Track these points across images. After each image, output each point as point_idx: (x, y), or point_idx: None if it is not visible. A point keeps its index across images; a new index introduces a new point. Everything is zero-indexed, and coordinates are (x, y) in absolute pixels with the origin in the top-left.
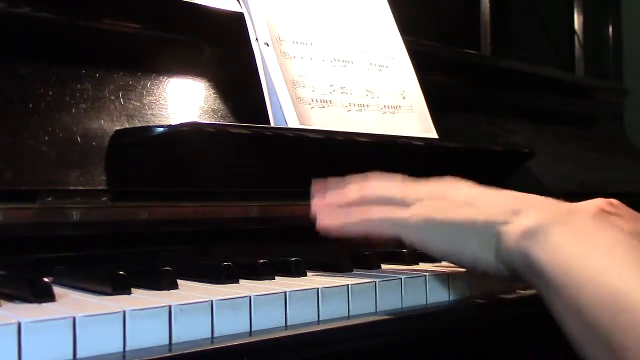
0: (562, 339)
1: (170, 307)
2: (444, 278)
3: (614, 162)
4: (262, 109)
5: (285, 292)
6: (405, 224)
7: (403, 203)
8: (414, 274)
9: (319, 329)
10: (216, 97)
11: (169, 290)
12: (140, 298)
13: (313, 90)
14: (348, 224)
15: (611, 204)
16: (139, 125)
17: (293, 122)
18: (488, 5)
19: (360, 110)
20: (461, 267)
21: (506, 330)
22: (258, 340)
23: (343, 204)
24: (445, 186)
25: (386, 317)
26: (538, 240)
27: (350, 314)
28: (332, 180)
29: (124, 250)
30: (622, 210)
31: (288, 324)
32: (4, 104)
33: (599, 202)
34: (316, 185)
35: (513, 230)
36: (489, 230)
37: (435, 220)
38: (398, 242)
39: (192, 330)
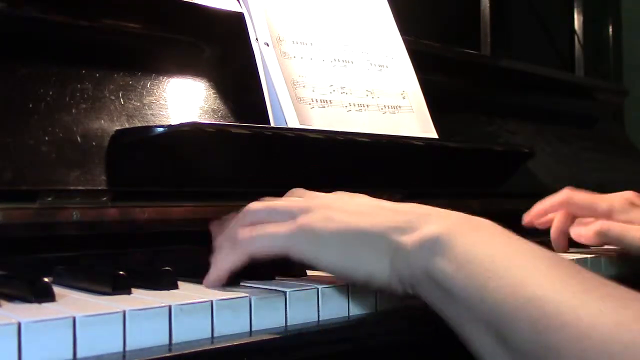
0: None
1: (170, 307)
2: None
3: (614, 162)
4: (262, 109)
5: (285, 292)
6: (289, 237)
7: (288, 216)
8: None
9: (319, 329)
10: (216, 97)
11: (169, 290)
12: (140, 298)
13: (313, 90)
14: (223, 259)
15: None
16: (139, 125)
17: (293, 122)
18: (488, 5)
19: (360, 110)
20: (356, 284)
21: None
22: (258, 340)
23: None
24: (337, 196)
25: (386, 316)
26: (443, 251)
27: (350, 314)
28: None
29: (124, 250)
30: None
31: (288, 324)
32: (4, 104)
33: (627, 194)
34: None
35: (412, 240)
36: (383, 241)
37: (322, 230)
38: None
39: (192, 330)
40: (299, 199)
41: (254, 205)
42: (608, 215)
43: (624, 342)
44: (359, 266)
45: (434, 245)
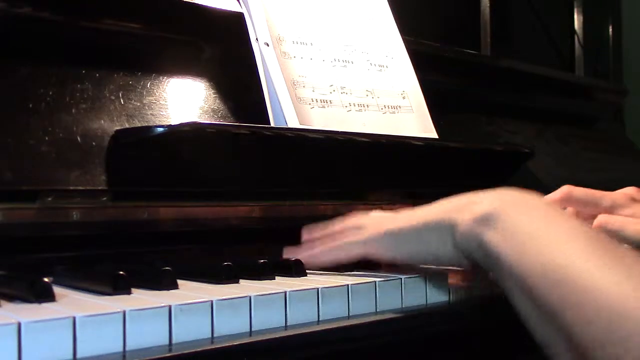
0: None
1: (170, 307)
2: (444, 277)
3: (614, 162)
4: (262, 109)
5: (285, 292)
6: (367, 240)
7: (360, 227)
8: (414, 273)
9: (319, 329)
10: (216, 97)
11: (169, 290)
12: (140, 298)
13: (313, 90)
14: (314, 255)
15: None
16: (139, 125)
17: (293, 122)
18: (488, 5)
19: (360, 110)
20: (428, 265)
21: (506, 330)
22: (258, 340)
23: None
24: (398, 210)
25: (386, 317)
26: (492, 225)
27: (350, 314)
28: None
29: (124, 250)
30: None
31: (288, 324)
32: (4, 104)
33: (628, 190)
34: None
35: (467, 217)
36: (444, 224)
37: (393, 229)
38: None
39: (192, 330)
40: (377, 214)
41: (344, 223)
42: (609, 211)
43: (631, 312)
44: (428, 250)
45: (485, 220)
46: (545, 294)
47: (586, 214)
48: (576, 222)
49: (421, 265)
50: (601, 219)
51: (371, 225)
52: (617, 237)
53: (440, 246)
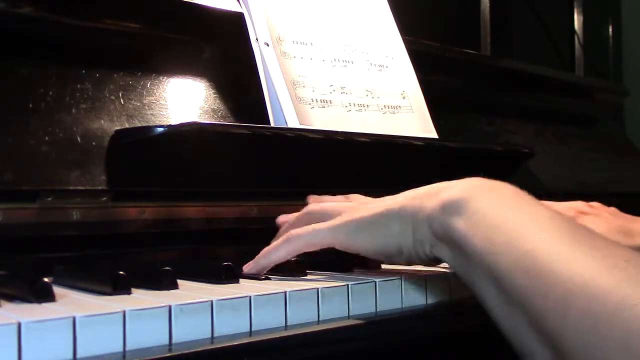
0: None
1: (170, 307)
2: (443, 277)
3: (614, 162)
4: (262, 109)
5: (285, 292)
6: (332, 229)
7: (333, 216)
8: (414, 274)
9: (319, 329)
10: (216, 97)
11: (169, 290)
12: (141, 298)
13: (313, 90)
14: (279, 246)
15: (590, 206)
16: (139, 125)
17: (293, 122)
18: (488, 5)
19: (360, 110)
20: (393, 262)
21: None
22: (258, 340)
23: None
24: (375, 198)
25: (386, 317)
26: (458, 211)
27: (350, 314)
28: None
29: (124, 250)
30: (601, 211)
31: (288, 324)
32: (4, 104)
33: (575, 204)
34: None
35: (432, 205)
36: (409, 210)
37: (357, 218)
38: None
39: (192, 330)
40: (347, 203)
41: (311, 207)
42: None
43: (607, 294)
44: (389, 241)
45: (452, 207)
46: (515, 281)
47: None
48: (544, 207)
49: (388, 261)
50: None
51: (342, 213)
52: None
53: (404, 236)
